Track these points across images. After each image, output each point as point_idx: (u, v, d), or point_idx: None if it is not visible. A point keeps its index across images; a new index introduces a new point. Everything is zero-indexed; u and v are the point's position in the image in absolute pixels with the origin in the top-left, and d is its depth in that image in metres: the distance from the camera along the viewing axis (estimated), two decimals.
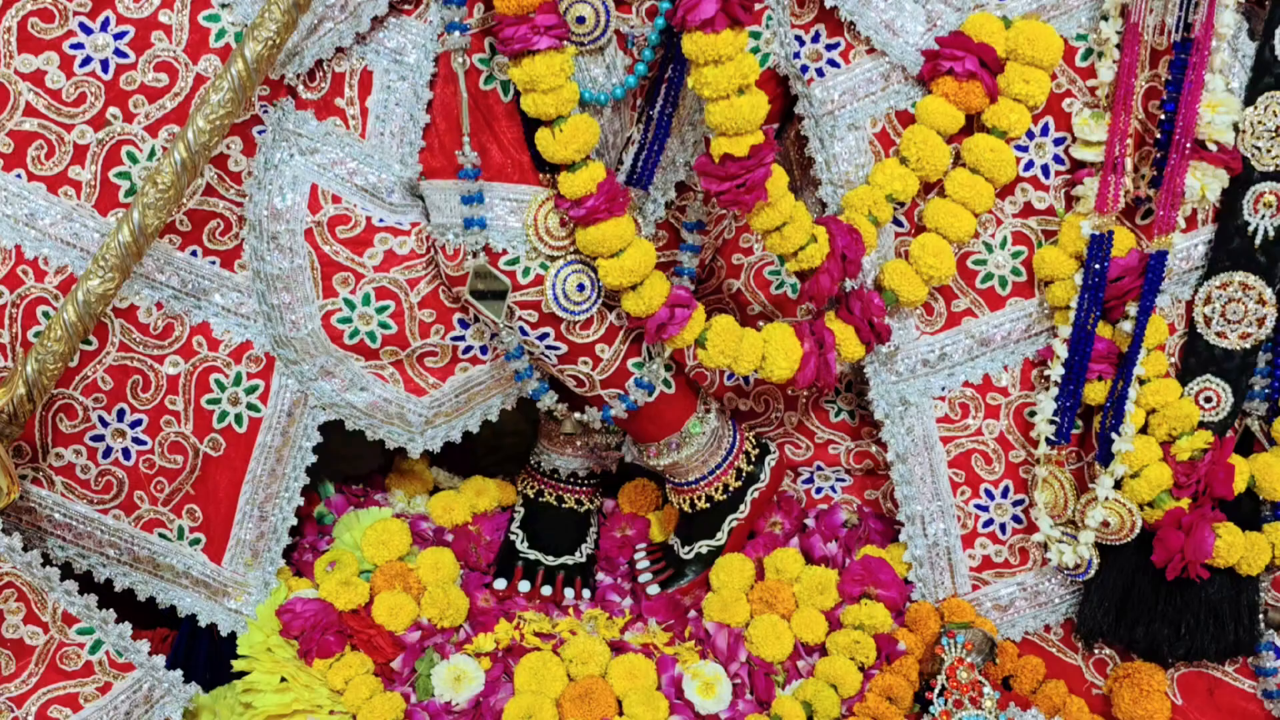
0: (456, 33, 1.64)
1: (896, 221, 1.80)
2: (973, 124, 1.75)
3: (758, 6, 1.71)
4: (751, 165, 1.58)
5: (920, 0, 1.72)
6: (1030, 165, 1.76)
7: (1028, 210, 1.78)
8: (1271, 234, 1.72)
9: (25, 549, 1.65)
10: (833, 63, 1.76)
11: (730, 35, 1.52)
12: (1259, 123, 1.70)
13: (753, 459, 1.94)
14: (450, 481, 2.12)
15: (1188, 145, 1.66)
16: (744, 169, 1.58)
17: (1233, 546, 1.73)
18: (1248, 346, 1.76)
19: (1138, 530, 1.77)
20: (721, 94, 1.55)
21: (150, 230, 1.60)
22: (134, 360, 1.74)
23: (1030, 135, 1.75)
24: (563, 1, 1.62)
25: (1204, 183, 1.69)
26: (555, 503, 2.04)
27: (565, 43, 1.59)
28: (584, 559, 2.01)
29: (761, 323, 1.92)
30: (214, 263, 1.74)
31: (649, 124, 1.72)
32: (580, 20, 1.63)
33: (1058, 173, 1.76)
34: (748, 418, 2.04)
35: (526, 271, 1.70)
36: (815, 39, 1.75)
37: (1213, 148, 1.69)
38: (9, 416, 1.62)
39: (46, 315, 1.69)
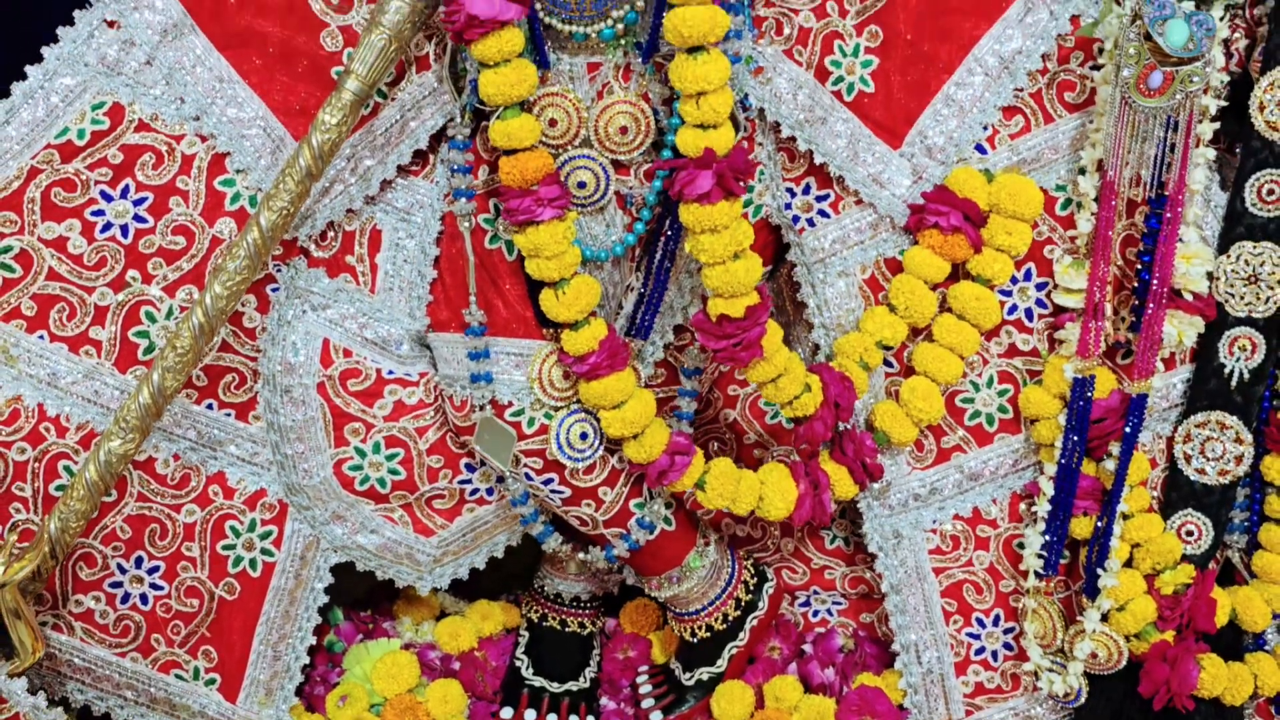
0: (463, 199, 1.71)
1: (886, 362, 1.86)
2: (959, 268, 1.82)
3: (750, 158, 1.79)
4: (747, 326, 1.65)
5: (906, 155, 1.79)
6: (1014, 309, 1.83)
7: (1012, 351, 1.85)
8: (1247, 376, 1.79)
9: (50, 703, 1.71)
10: (823, 213, 1.83)
11: (725, 206, 1.59)
12: (1232, 271, 1.77)
13: (751, 587, 1.99)
14: (455, 606, 2.17)
15: (1165, 296, 1.73)
16: (740, 329, 1.65)
17: (1216, 678, 1.79)
18: (1226, 482, 1.82)
19: (1125, 661, 1.83)
20: (718, 260, 1.62)
21: (169, 392, 1.67)
22: (152, 509, 1.80)
23: (1014, 280, 1.82)
24: (564, 168, 1.70)
25: (1181, 330, 1.76)
26: (559, 626, 2.10)
27: (567, 208, 1.66)
28: (587, 684, 2.06)
29: (758, 451, 2.00)
30: (229, 415, 1.80)
31: (648, 275, 1.78)
32: (581, 185, 1.71)
33: (1040, 316, 1.83)
34: (745, 543, 2.10)
35: (531, 422, 1.76)
36: (806, 191, 1.83)
37: (1189, 297, 1.76)
38: (34, 574, 1.68)
39: (68, 470, 1.75)
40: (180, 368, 1.66)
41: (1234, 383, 1.80)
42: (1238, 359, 1.79)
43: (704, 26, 1.52)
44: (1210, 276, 1.77)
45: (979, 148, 1.80)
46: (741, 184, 1.60)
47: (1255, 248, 1.76)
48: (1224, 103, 1.72)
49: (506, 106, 1.60)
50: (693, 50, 1.54)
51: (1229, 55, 1.77)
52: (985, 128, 1.79)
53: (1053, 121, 1.79)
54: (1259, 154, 1.75)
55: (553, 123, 1.68)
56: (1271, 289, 1.76)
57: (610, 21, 1.65)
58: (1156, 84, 1.66)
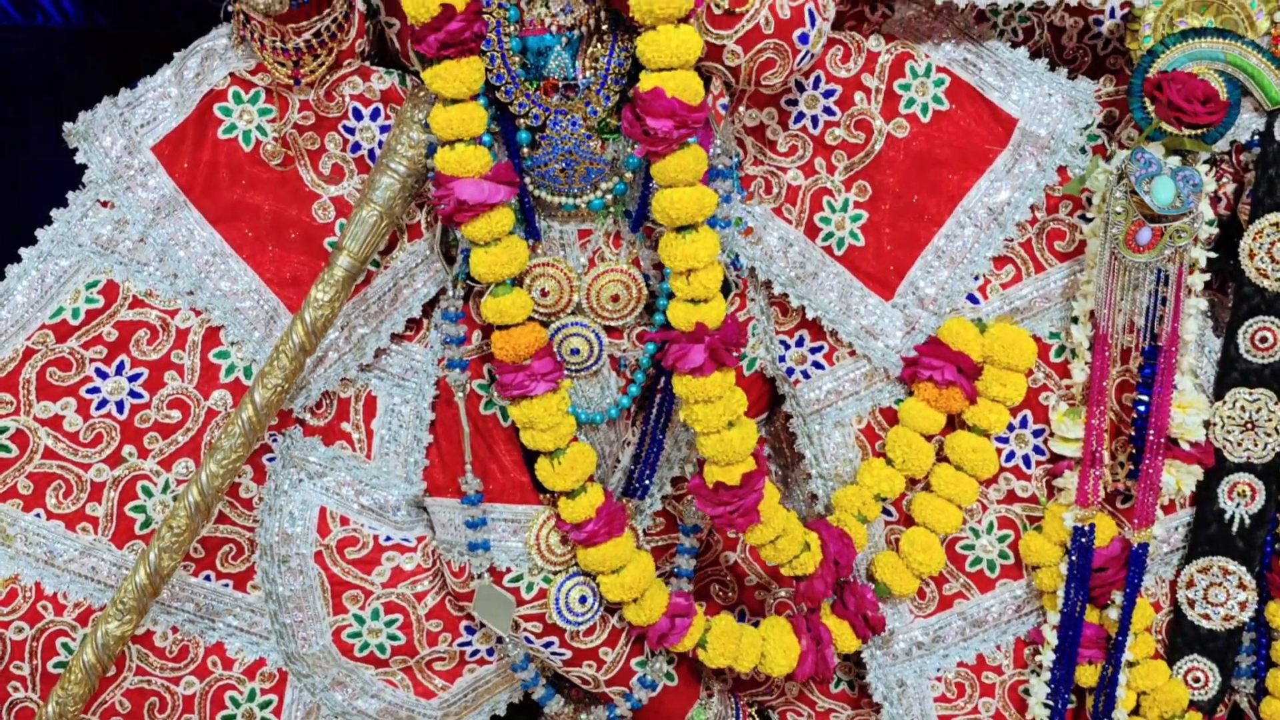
0: (457, 370, 1.71)
1: (885, 510, 1.86)
2: (955, 418, 1.82)
3: (742, 318, 1.80)
4: (744, 493, 1.64)
5: (898, 306, 1.79)
6: (1011, 456, 1.83)
7: (1011, 497, 1.84)
8: (1248, 521, 1.79)
9: None
10: (817, 365, 1.83)
11: (719, 377, 1.60)
12: (1229, 417, 1.77)
13: None
14: None
15: (1162, 447, 1.73)
16: (737, 496, 1.64)
17: None
18: (1231, 628, 1.81)
19: None
20: (713, 429, 1.62)
21: (166, 572, 1.66)
22: (151, 683, 1.79)
23: (1010, 428, 1.82)
24: (556, 336, 1.70)
25: (1179, 478, 1.76)
26: None
27: (561, 380, 1.67)
28: None
29: (760, 593, 1.99)
30: (227, 585, 1.80)
31: (644, 434, 1.78)
32: (574, 352, 1.71)
33: (1038, 462, 1.83)
34: (749, 687, 2.08)
35: (530, 587, 1.75)
36: (800, 343, 1.83)
37: (1186, 445, 1.76)
38: None
39: (66, 647, 1.74)
40: (177, 547, 1.66)
41: (1235, 528, 1.79)
42: (1238, 504, 1.79)
43: (692, 208, 1.53)
44: (1207, 424, 1.77)
45: (971, 297, 1.80)
46: (734, 354, 1.60)
47: (1251, 394, 1.76)
48: (1213, 254, 1.72)
49: (498, 283, 1.61)
50: (682, 230, 1.55)
51: (1217, 199, 1.78)
52: (976, 278, 1.79)
53: (1043, 270, 1.80)
54: (1250, 300, 1.76)
55: (544, 293, 1.68)
56: (1269, 435, 1.76)
57: (599, 193, 1.66)
58: (1145, 240, 1.66)
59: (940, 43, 1.76)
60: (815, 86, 1.74)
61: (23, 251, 1.73)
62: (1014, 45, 1.85)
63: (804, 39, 1.56)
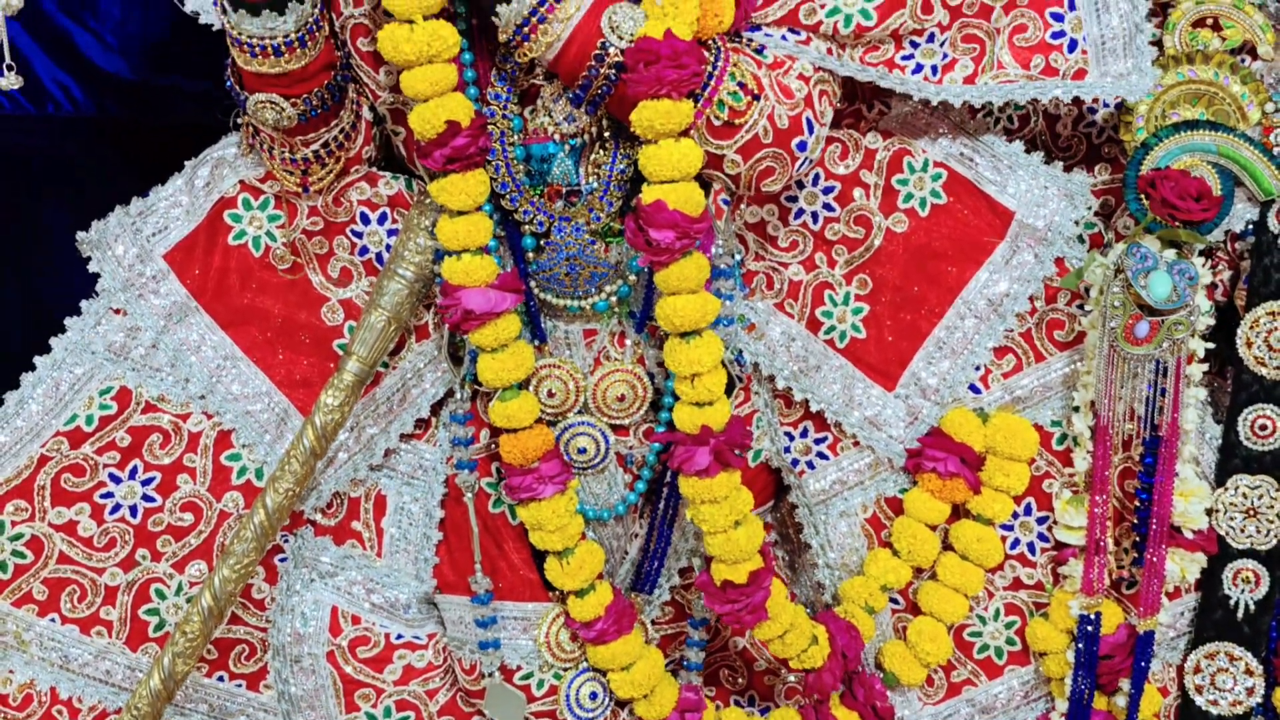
0: (465, 471, 1.73)
1: (892, 599, 1.87)
2: (959, 506, 1.83)
3: (746, 411, 1.82)
4: (751, 590, 1.66)
5: (901, 396, 1.81)
6: (1016, 543, 1.84)
7: (1017, 584, 1.85)
8: (1253, 608, 1.80)
9: None
10: (822, 455, 1.85)
11: (725, 478, 1.61)
12: (1231, 504, 1.78)
13: None
14: None
15: (1164, 538, 1.74)
16: (744, 594, 1.66)
17: None
18: (1240, 713, 1.82)
19: None
20: (719, 529, 1.63)
21: (180, 676, 1.68)
22: None
23: (1015, 515, 1.83)
24: (563, 435, 1.72)
25: (1183, 566, 1.77)
26: None
27: (569, 482, 1.69)
28: None
29: (769, 678, 1.99)
30: (240, 685, 1.81)
31: (651, 529, 1.80)
32: (581, 450, 1.73)
33: (1043, 550, 1.84)
34: None
35: (541, 684, 1.77)
36: (804, 434, 1.85)
37: (1189, 534, 1.77)
38: None
39: None
40: (190, 651, 1.68)
41: (1240, 614, 1.80)
42: (1242, 590, 1.80)
43: (695, 315, 1.56)
44: (1210, 511, 1.78)
45: (973, 387, 1.82)
46: (739, 455, 1.63)
47: (1252, 480, 1.78)
48: (1210, 344, 1.74)
49: (505, 388, 1.64)
50: (685, 335, 1.58)
51: (1213, 287, 1.80)
52: (978, 368, 1.81)
53: (1044, 360, 1.82)
54: (1249, 388, 1.77)
55: (551, 394, 1.71)
56: (1271, 521, 1.77)
57: (604, 295, 1.68)
58: (1143, 334, 1.69)
59: (937, 138, 1.79)
60: (815, 183, 1.77)
61: (37, 360, 1.76)
62: (1009, 133, 1.88)
63: (802, 146, 1.59)
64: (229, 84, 1.62)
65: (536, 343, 1.70)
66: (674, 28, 1.46)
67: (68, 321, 1.76)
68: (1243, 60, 1.80)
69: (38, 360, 1.76)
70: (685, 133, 1.51)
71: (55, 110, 2.62)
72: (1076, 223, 1.78)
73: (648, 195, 1.51)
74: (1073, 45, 1.70)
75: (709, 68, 1.52)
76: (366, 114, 1.70)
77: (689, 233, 1.51)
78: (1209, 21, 1.79)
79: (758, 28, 1.61)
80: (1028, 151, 1.81)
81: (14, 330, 2.58)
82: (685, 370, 1.58)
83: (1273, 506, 1.77)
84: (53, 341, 1.76)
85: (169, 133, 2.60)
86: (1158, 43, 1.79)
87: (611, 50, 1.48)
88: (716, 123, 1.54)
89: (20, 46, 2.62)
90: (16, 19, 1.49)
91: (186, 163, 1.79)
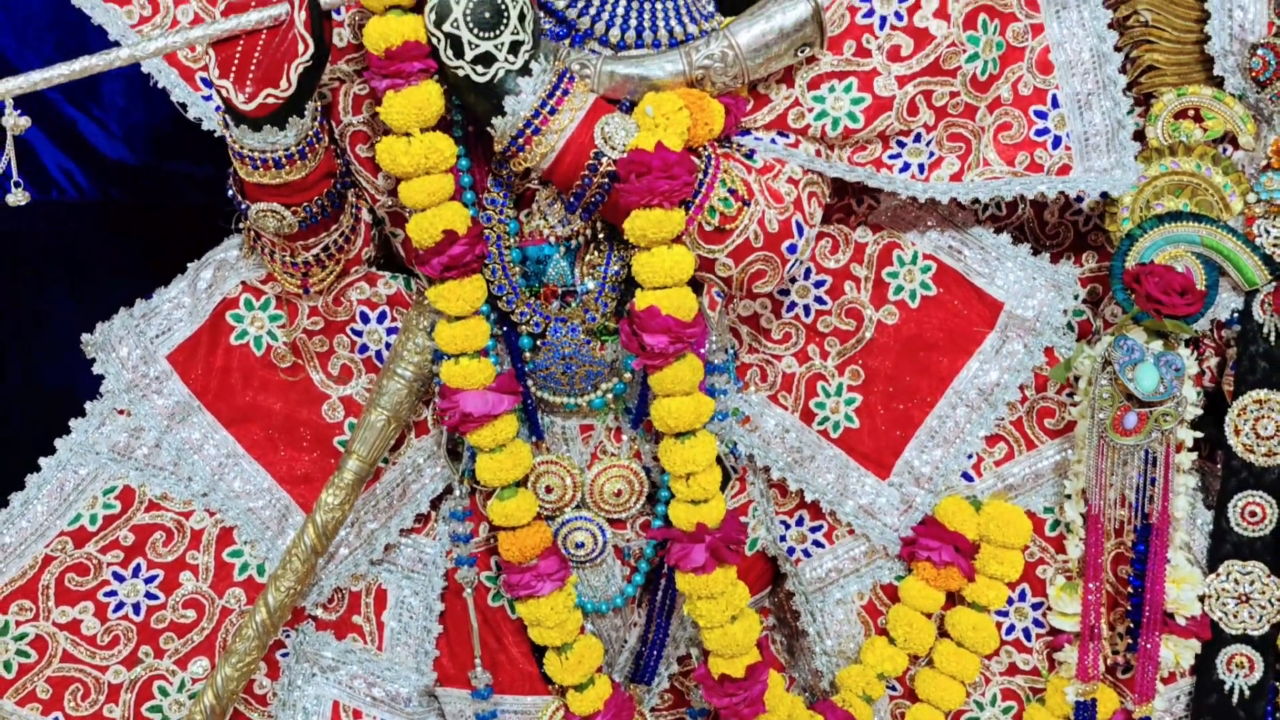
0: (465, 566, 1.76)
1: (890, 685, 1.88)
2: (954, 593, 1.85)
3: (741, 501, 1.84)
4: (749, 684, 1.67)
5: (894, 484, 1.84)
6: (1011, 629, 1.86)
7: (1013, 670, 1.87)
8: (1247, 692, 1.81)
9: None
10: (818, 544, 1.87)
11: (721, 574, 1.64)
12: (1223, 589, 1.80)
13: None
14: None
15: (1158, 624, 1.76)
16: (742, 688, 1.67)
17: None
18: None
19: None
20: (716, 624, 1.65)
21: None
22: None
23: (1010, 601, 1.85)
24: (561, 530, 1.74)
25: (1177, 653, 1.79)
26: None
27: (567, 578, 1.71)
28: None
29: None
30: None
31: (650, 619, 1.82)
32: (579, 545, 1.75)
33: (1038, 635, 1.86)
34: None
35: None
36: (799, 523, 1.87)
37: (1182, 620, 1.78)
38: None
39: None
40: None
41: (1235, 699, 1.82)
42: (1236, 675, 1.81)
43: (689, 417, 1.58)
44: (1202, 598, 1.80)
45: (965, 475, 1.84)
46: (736, 551, 1.65)
47: (1244, 566, 1.80)
48: (1198, 433, 1.76)
49: (503, 486, 1.66)
50: (680, 436, 1.60)
51: (1201, 373, 1.83)
52: (970, 456, 1.83)
53: (1035, 448, 1.84)
54: (1239, 474, 1.80)
55: (549, 489, 1.73)
56: (1263, 607, 1.79)
57: (600, 392, 1.71)
58: (1131, 425, 1.71)
59: (925, 231, 1.82)
60: (806, 277, 1.80)
61: (42, 461, 1.78)
62: (998, 220, 1.92)
63: (792, 249, 1.62)
64: (230, 192, 1.65)
65: (534, 439, 1.73)
66: (665, 139, 1.50)
67: (72, 423, 1.79)
68: (1224, 150, 1.84)
69: (43, 461, 1.78)
70: (678, 239, 1.54)
71: (60, 196, 2.66)
72: (1064, 312, 1.81)
73: (641, 301, 1.54)
74: (1057, 142, 1.73)
75: (700, 175, 1.56)
76: (365, 216, 1.74)
77: (682, 337, 1.54)
78: (1190, 113, 1.83)
79: (747, 132, 1.65)
80: (1015, 242, 1.85)
81: (16, 412, 2.61)
82: (680, 470, 1.61)
83: (1265, 592, 1.79)
84: (58, 443, 1.78)
85: (172, 216, 2.64)
86: (1140, 133, 1.83)
87: (605, 160, 1.52)
88: (708, 228, 1.57)
89: (26, 135, 2.66)
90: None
91: (189, 264, 1.82)
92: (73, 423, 1.79)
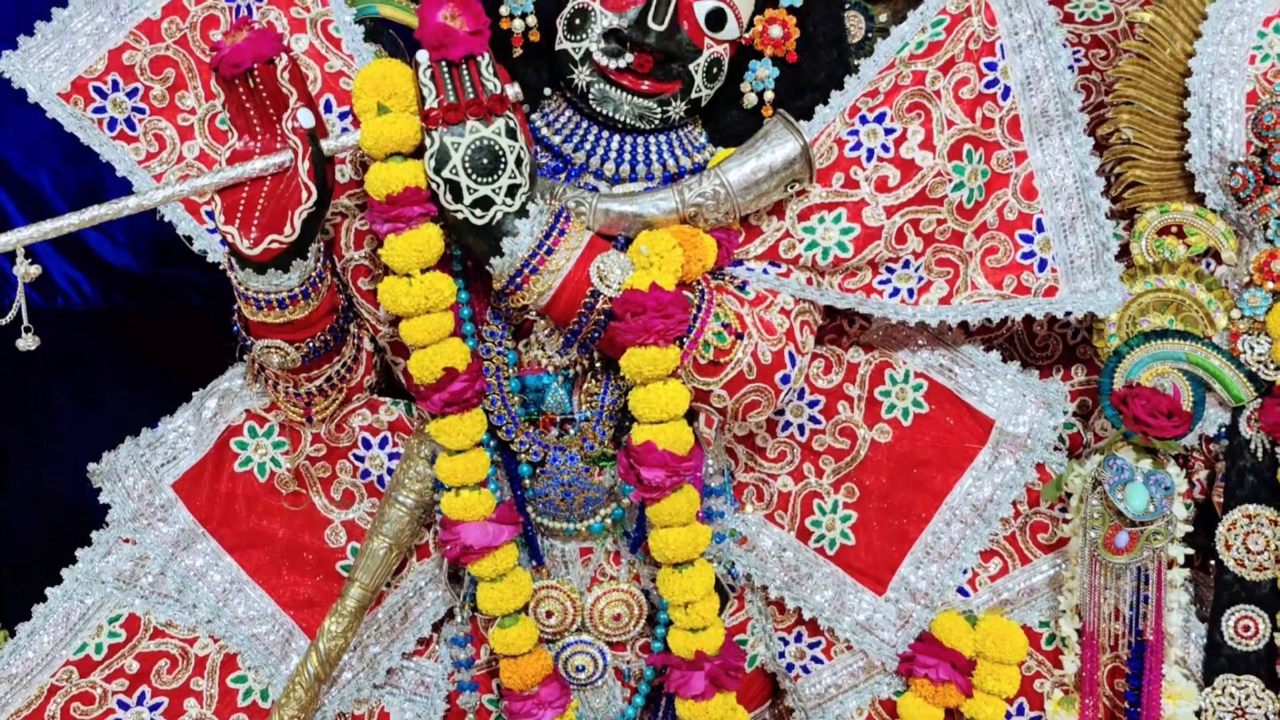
0: (467, 692, 1.77)
1: None
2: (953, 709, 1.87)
3: (740, 619, 1.86)
4: None
5: (891, 600, 1.85)
6: None
7: None
8: None
9: None
10: (816, 660, 1.88)
11: (720, 700, 1.65)
12: (1219, 704, 1.82)
13: None
14: None
15: None
16: None
17: None
18: None
19: None
20: None
21: None
22: None
23: (1008, 715, 1.86)
24: (562, 654, 1.76)
25: None
26: None
27: (569, 703, 1.73)
28: None
29: None
30: None
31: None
32: (580, 669, 1.77)
33: None
34: None
35: None
36: (798, 639, 1.89)
37: None
38: None
39: None
40: None
41: None
42: None
43: (686, 548, 1.61)
44: (1198, 712, 1.81)
45: (961, 590, 1.86)
46: (734, 677, 1.66)
47: (1239, 681, 1.81)
48: (1189, 550, 1.79)
49: (505, 615, 1.68)
50: (678, 565, 1.63)
51: (1191, 486, 1.85)
52: (965, 571, 1.86)
53: (1029, 563, 1.87)
54: (1231, 588, 1.82)
55: (549, 614, 1.75)
56: None
57: (599, 518, 1.74)
58: (1123, 544, 1.73)
59: (916, 350, 1.86)
60: (800, 397, 1.83)
61: (49, 591, 1.80)
62: (988, 332, 1.95)
63: (785, 380, 1.65)
64: (235, 328, 1.69)
65: (534, 564, 1.75)
66: (659, 278, 1.53)
67: (79, 553, 1.81)
68: (1208, 265, 1.88)
69: (49, 591, 1.80)
70: (673, 374, 1.57)
71: (65, 303, 2.70)
72: (1055, 429, 1.84)
73: (638, 435, 1.57)
74: (1043, 265, 1.77)
75: (694, 310, 1.59)
76: (367, 345, 1.77)
77: (678, 470, 1.57)
78: (1174, 229, 1.87)
79: (740, 262, 1.69)
80: (1005, 358, 1.88)
81: (22, 516, 2.63)
82: (678, 599, 1.63)
83: (1260, 707, 1.80)
84: (64, 572, 1.81)
85: (176, 321, 2.68)
86: (1125, 247, 1.87)
87: (601, 298, 1.56)
88: (703, 361, 1.61)
89: (33, 244, 2.72)
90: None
91: (195, 393, 1.85)
92: (79, 553, 1.81)
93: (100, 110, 1.76)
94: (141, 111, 1.76)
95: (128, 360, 2.72)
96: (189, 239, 1.80)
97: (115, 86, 1.75)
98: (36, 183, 2.68)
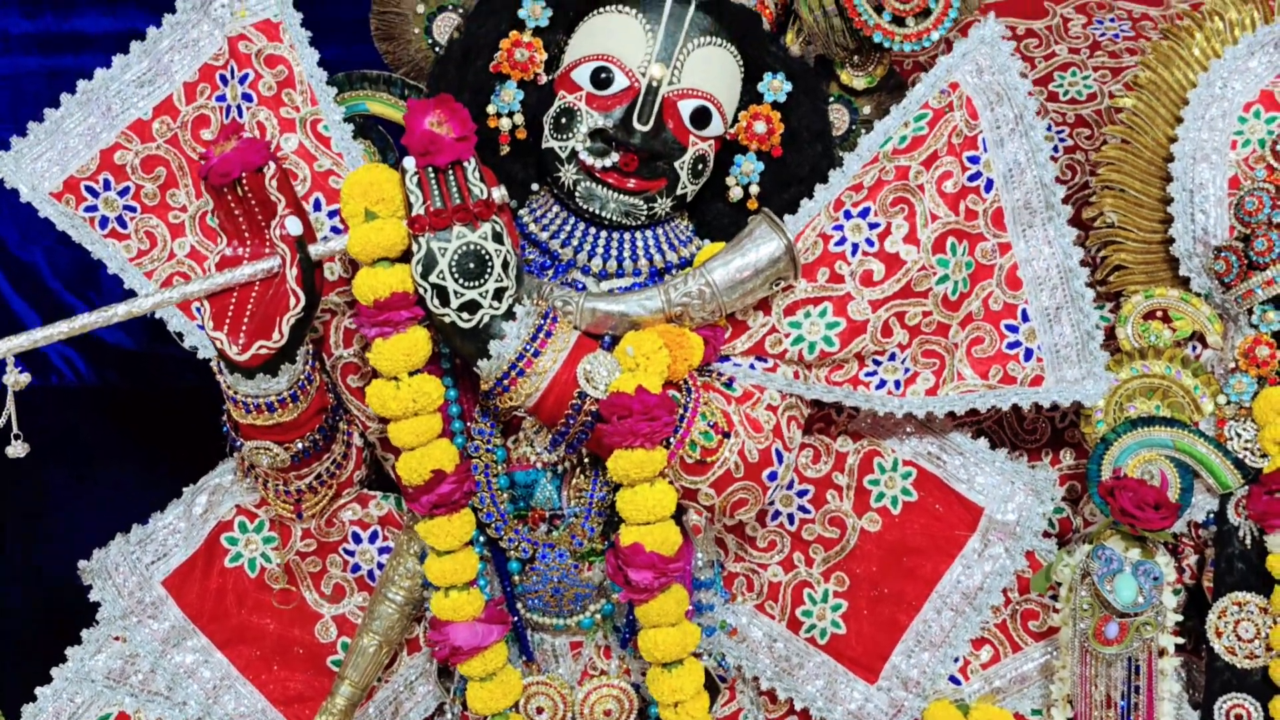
0: None
1: None
2: None
3: (731, 710, 1.86)
4: None
5: (883, 688, 1.85)
6: None
7: None
8: None
9: None
10: None
11: None
12: None
13: None
14: None
15: None
16: None
17: None
18: None
19: None
20: None
21: None
22: None
23: None
24: None
25: None
26: None
27: None
28: None
29: None
30: None
31: None
32: None
33: None
34: None
35: None
36: None
37: None
38: None
39: None
40: None
41: None
42: None
43: (675, 649, 1.61)
44: None
45: (953, 678, 1.86)
46: None
47: None
48: (1180, 640, 1.78)
49: (496, 714, 1.68)
50: (668, 665, 1.63)
51: (1181, 571, 1.85)
52: (956, 659, 1.85)
53: (1020, 650, 1.86)
54: (1222, 675, 1.82)
55: (539, 710, 1.75)
56: None
57: (589, 613, 1.74)
58: (1113, 634, 1.73)
59: (905, 438, 1.86)
60: (790, 487, 1.84)
61: (38, 690, 1.80)
62: (976, 416, 1.96)
63: (773, 477, 1.66)
64: (225, 428, 1.69)
65: (524, 659, 1.75)
66: (645, 381, 1.54)
67: (69, 651, 1.81)
68: (1193, 349, 1.89)
69: (39, 690, 1.79)
70: (661, 473, 1.58)
71: (59, 381, 2.71)
72: (1044, 515, 1.84)
73: (625, 537, 1.58)
74: (1029, 354, 1.78)
75: (680, 410, 1.60)
76: (357, 440, 1.78)
77: (666, 572, 1.57)
78: (1159, 313, 1.89)
79: (726, 358, 1.70)
80: (993, 444, 1.89)
81: (15, 593, 2.63)
82: (668, 699, 1.63)
83: None
84: (54, 671, 1.80)
85: (171, 400, 2.69)
86: (1111, 330, 1.89)
87: (588, 399, 1.56)
88: (690, 461, 1.61)
89: (27, 324, 2.73)
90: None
91: (185, 489, 1.86)
92: (69, 651, 1.81)
93: (92, 209, 1.77)
94: (133, 209, 1.77)
95: (122, 438, 2.73)
96: (179, 335, 1.80)
97: (107, 185, 1.76)
98: (31, 261, 2.69)
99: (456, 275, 1.51)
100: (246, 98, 1.72)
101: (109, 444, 2.72)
